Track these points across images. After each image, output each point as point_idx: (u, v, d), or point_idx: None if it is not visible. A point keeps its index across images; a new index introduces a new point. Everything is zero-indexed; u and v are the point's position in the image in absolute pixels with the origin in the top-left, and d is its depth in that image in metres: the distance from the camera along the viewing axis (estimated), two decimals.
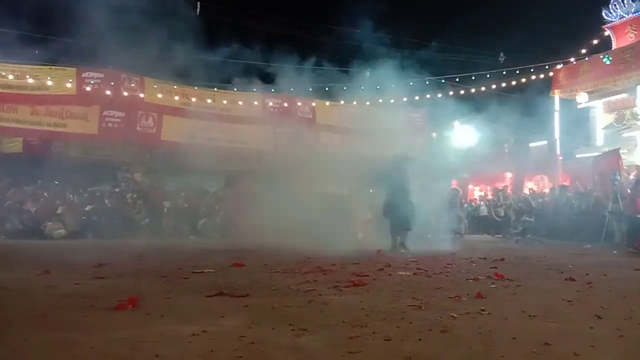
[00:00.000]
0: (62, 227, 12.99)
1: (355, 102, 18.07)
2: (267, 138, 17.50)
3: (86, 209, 14.03)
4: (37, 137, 15.80)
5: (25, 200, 13.79)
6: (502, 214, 15.24)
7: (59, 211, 13.47)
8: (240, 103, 17.74)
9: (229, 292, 3.76)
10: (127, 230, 12.56)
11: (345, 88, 17.04)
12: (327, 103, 18.36)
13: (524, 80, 17.89)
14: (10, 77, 15.07)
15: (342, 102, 18.26)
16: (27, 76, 15.25)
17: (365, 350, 2.26)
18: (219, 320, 2.86)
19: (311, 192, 11.06)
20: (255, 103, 17.92)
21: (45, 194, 14.51)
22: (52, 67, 15.59)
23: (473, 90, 18.18)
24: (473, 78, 18.13)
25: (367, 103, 17.82)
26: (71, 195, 14.78)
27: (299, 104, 18.10)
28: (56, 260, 6.38)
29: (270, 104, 18.10)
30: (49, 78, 15.44)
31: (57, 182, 15.29)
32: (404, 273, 5.23)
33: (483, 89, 18.23)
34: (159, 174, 16.59)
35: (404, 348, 2.30)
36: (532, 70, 17.78)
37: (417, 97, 16.87)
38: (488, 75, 18.13)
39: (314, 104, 18.29)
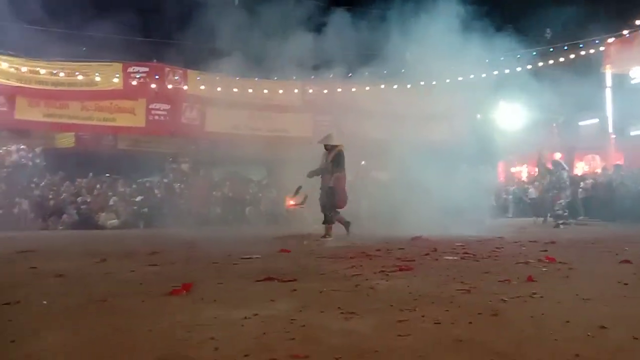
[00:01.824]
0: (115, 218, 13.56)
1: (395, 86, 17.82)
2: (307, 125, 17.57)
3: (137, 199, 14.56)
4: (88, 131, 16.45)
5: (80, 193, 14.44)
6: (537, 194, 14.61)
7: (111, 202, 14.03)
8: (281, 91, 17.85)
9: (277, 277, 3.84)
10: (176, 220, 12.94)
11: (385, 72, 16.81)
12: (367, 88, 18.17)
13: (572, 56, 17.14)
14: (62, 74, 15.68)
15: (382, 86, 18.04)
16: (77, 73, 15.83)
17: (415, 333, 2.27)
18: (269, 304, 2.93)
19: (357, 178, 11.00)
20: (295, 91, 17.99)
21: (98, 186, 15.13)
22: (100, 63, 16.12)
23: (519, 68, 17.57)
24: (518, 56, 17.50)
25: (408, 86, 17.57)
26: (122, 187, 15.35)
27: (339, 89, 18.04)
28: (111, 249, 6.67)
29: (310, 91, 18.13)
30: (97, 74, 15.99)
31: (108, 175, 15.92)
32: (450, 257, 5.18)
33: (529, 66, 17.59)
34: (204, 164, 16.98)
35: (454, 332, 2.29)
36: (581, 45, 17.00)
37: (460, 78, 16.46)
38: (534, 53, 17.48)
39: (354, 89, 18.16)
